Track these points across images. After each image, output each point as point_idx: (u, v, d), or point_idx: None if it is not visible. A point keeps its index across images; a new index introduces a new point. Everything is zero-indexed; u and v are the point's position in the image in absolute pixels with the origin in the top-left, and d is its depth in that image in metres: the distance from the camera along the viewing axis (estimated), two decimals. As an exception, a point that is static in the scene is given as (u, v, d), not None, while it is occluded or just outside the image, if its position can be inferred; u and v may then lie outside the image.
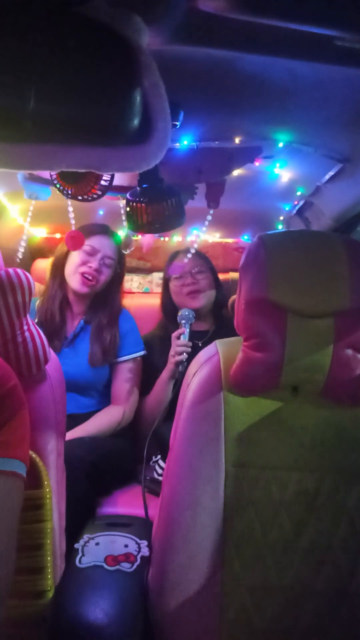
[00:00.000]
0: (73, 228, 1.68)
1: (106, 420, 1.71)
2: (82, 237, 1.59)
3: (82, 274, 1.75)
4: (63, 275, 1.82)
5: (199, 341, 1.83)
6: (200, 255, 1.94)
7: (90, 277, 1.74)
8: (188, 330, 1.75)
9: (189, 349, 1.71)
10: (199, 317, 1.87)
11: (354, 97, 0.95)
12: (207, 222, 1.58)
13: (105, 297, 1.85)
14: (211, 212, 1.56)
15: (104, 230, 1.83)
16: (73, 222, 1.65)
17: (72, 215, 1.58)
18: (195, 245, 1.80)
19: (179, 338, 1.74)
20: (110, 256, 1.79)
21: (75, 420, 1.68)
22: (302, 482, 0.93)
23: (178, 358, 1.70)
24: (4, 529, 0.78)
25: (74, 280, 1.77)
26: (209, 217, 1.57)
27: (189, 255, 1.81)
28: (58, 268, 1.85)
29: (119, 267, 1.86)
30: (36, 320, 1.79)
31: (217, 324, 1.96)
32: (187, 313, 1.79)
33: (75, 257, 1.78)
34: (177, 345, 1.72)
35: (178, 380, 1.68)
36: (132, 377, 1.82)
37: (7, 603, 0.84)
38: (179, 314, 1.80)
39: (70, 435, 1.59)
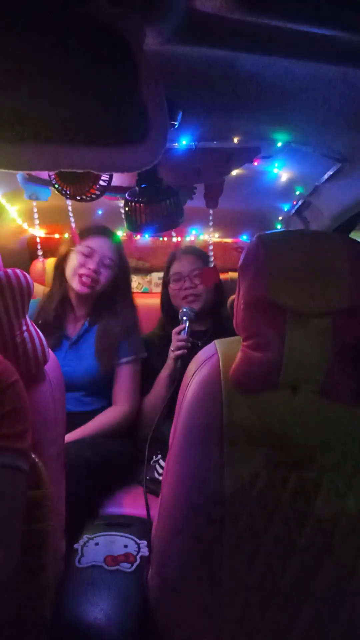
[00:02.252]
0: (73, 226, 1.69)
1: (107, 421, 1.72)
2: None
3: (80, 276, 1.75)
4: (64, 276, 1.83)
5: (198, 341, 1.84)
6: (200, 256, 1.94)
7: (88, 279, 1.74)
8: (188, 325, 1.76)
9: (189, 344, 1.73)
10: (199, 318, 1.88)
11: (352, 97, 0.95)
12: (211, 224, 1.58)
13: (109, 299, 1.84)
14: (211, 212, 1.56)
15: (101, 231, 1.83)
16: (73, 221, 1.66)
17: (71, 214, 1.59)
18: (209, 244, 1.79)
19: (179, 334, 1.76)
20: (109, 256, 1.79)
21: (76, 418, 1.68)
22: (302, 482, 0.93)
23: (178, 353, 1.73)
24: (6, 521, 0.79)
25: (74, 282, 1.78)
26: (211, 218, 1.57)
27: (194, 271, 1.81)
28: (59, 270, 1.85)
29: (121, 268, 1.85)
30: (33, 318, 1.80)
31: (216, 324, 1.97)
32: (187, 310, 1.81)
33: (73, 259, 1.78)
34: (177, 341, 1.74)
35: (177, 377, 1.69)
36: (134, 378, 1.82)
37: (7, 603, 0.84)
38: (180, 311, 1.83)
39: (71, 436, 1.59)
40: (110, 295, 1.84)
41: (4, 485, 0.80)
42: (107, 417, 1.73)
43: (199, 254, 1.95)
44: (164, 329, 1.96)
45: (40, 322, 1.78)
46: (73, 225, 1.67)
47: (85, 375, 1.76)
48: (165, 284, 1.99)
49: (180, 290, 1.89)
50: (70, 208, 1.56)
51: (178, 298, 1.91)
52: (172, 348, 1.77)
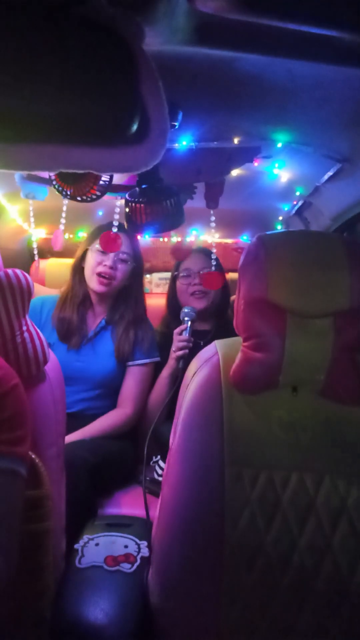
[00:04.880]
0: (61, 228, 1.68)
1: (109, 425, 1.72)
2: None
3: (99, 274, 1.77)
4: (83, 275, 1.85)
5: (200, 341, 1.84)
6: (210, 255, 1.94)
7: (106, 276, 1.76)
8: (189, 326, 1.76)
9: (190, 344, 1.72)
10: (202, 317, 1.88)
11: (353, 97, 0.95)
12: (213, 224, 1.58)
13: (127, 295, 1.86)
14: (212, 212, 1.56)
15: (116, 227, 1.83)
16: (63, 222, 1.65)
17: (63, 214, 1.58)
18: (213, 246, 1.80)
19: (181, 334, 1.75)
20: (124, 251, 1.80)
21: (81, 420, 1.69)
22: (302, 482, 0.93)
23: (179, 353, 1.72)
24: (5, 526, 0.79)
25: (92, 281, 1.79)
26: (213, 218, 1.57)
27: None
28: (77, 269, 1.88)
29: (136, 261, 1.86)
30: (54, 316, 1.83)
31: (219, 324, 1.96)
32: (189, 310, 1.81)
33: (91, 259, 1.80)
34: (178, 341, 1.74)
35: (179, 377, 1.69)
36: (143, 382, 1.82)
37: (7, 603, 0.84)
38: (182, 311, 1.83)
39: (72, 437, 1.59)
40: (129, 291, 1.86)
41: (3, 490, 0.80)
42: (109, 421, 1.73)
43: (209, 254, 1.95)
44: (168, 326, 1.95)
45: (62, 318, 1.80)
46: (62, 227, 1.66)
47: (98, 373, 1.77)
48: (173, 279, 1.99)
49: (189, 286, 1.90)
50: (64, 208, 1.56)
51: (186, 294, 1.91)
52: (173, 348, 1.77)
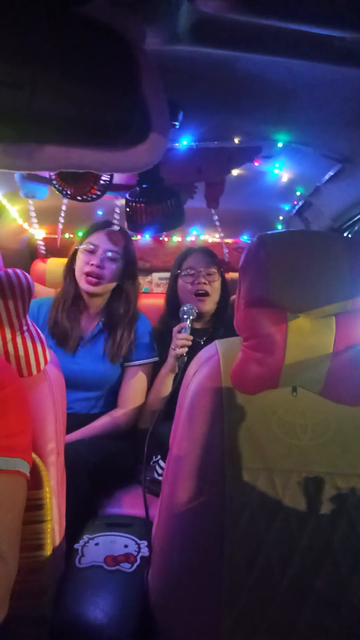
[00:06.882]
0: (60, 228, 1.68)
1: (108, 425, 1.72)
2: None
3: (87, 274, 1.75)
4: (74, 277, 1.83)
5: (200, 339, 1.83)
6: (213, 256, 1.94)
7: (94, 275, 1.74)
8: (189, 324, 1.76)
9: (190, 343, 1.72)
10: (202, 316, 1.87)
11: (353, 97, 0.95)
12: (217, 224, 1.58)
13: (119, 296, 1.83)
14: (213, 212, 1.56)
15: (103, 225, 1.82)
16: (62, 221, 1.65)
17: (62, 214, 1.58)
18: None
19: (180, 332, 1.75)
20: (112, 249, 1.77)
21: (81, 419, 1.69)
22: (302, 482, 0.93)
23: (178, 351, 1.71)
24: (7, 528, 0.79)
25: (81, 281, 1.78)
26: (216, 217, 1.57)
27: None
28: (68, 270, 1.85)
29: (127, 260, 1.82)
30: (48, 318, 1.81)
31: (218, 323, 1.96)
32: (188, 308, 1.80)
33: (79, 259, 1.79)
34: (177, 339, 1.73)
35: (177, 375, 1.69)
36: (141, 382, 1.82)
37: (7, 603, 0.84)
38: (181, 308, 1.82)
39: (72, 437, 1.59)
40: (121, 292, 1.83)
41: (6, 490, 0.80)
42: (109, 421, 1.73)
43: (212, 254, 1.95)
44: (166, 324, 1.94)
45: (55, 322, 1.78)
46: (60, 227, 1.66)
47: (96, 375, 1.76)
48: (174, 278, 1.98)
49: (193, 284, 1.88)
50: (64, 207, 1.56)
51: (189, 293, 1.89)
52: (172, 346, 1.76)
